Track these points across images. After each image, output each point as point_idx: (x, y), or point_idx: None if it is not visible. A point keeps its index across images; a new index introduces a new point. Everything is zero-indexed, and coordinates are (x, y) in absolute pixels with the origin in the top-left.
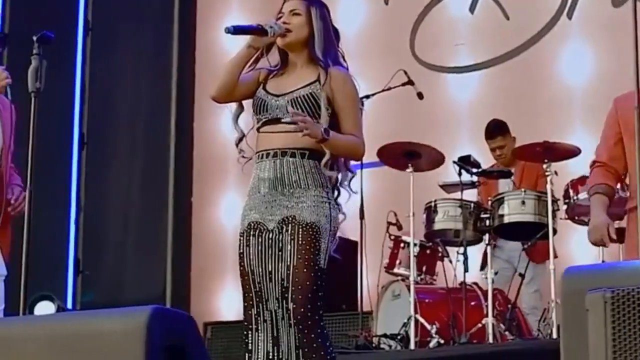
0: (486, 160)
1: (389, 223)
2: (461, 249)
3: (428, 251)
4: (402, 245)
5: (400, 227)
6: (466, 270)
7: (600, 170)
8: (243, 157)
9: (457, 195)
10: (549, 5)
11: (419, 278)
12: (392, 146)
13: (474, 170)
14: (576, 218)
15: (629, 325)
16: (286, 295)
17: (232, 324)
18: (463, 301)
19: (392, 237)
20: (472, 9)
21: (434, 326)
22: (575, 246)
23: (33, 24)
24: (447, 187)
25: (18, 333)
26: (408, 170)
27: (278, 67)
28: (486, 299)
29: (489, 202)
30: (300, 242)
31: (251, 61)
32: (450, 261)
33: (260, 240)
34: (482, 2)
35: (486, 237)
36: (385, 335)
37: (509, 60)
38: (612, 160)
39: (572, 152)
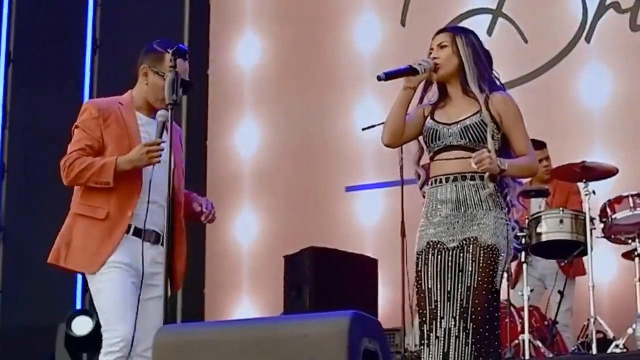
0: None
1: None
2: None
3: None
4: None
5: None
6: (512, 287)
7: None
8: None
9: None
10: (567, 29)
11: None
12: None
13: None
14: (613, 237)
15: None
16: (465, 315)
17: None
18: (507, 317)
19: None
20: (490, 31)
21: None
22: (605, 264)
23: (39, 42)
24: None
25: (220, 337)
26: None
27: (438, 99)
28: (520, 316)
29: (526, 221)
30: (481, 265)
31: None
32: None
33: (440, 259)
34: (501, 25)
35: (522, 255)
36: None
37: (527, 83)
38: None
39: (610, 172)
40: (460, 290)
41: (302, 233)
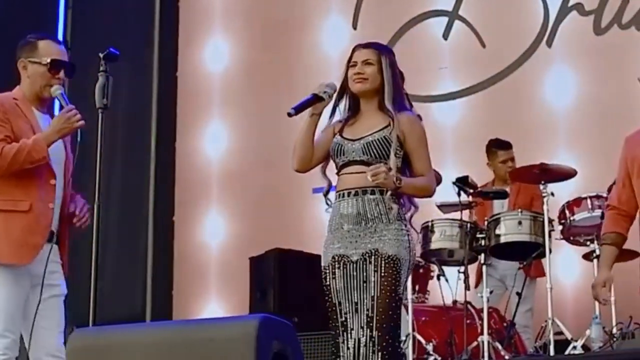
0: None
1: None
2: (461, 268)
3: (421, 270)
4: None
5: None
6: (467, 288)
7: (611, 215)
8: (331, 207)
9: (453, 215)
10: (527, 32)
11: (413, 297)
12: None
13: (471, 190)
14: (571, 238)
15: None
16: (371, 324)
17: None
18: (464, 318)
19: None
20: (445, 35)
21: (431, 344)
22: (565, 266)
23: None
24: (443, 207)
25: (132, 340)
26: None
27: (349, 115)
28: (480, 318)
29: (485, 222)
30: (383, 274)
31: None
32: (447, 280)
33: (345, 272)
34: (457, 28)
35: (481, 256)
36: None
37: (490, 87)
38: (622, 203)
39: (568, 174)
40: (365, 301)
41: (269, 234)
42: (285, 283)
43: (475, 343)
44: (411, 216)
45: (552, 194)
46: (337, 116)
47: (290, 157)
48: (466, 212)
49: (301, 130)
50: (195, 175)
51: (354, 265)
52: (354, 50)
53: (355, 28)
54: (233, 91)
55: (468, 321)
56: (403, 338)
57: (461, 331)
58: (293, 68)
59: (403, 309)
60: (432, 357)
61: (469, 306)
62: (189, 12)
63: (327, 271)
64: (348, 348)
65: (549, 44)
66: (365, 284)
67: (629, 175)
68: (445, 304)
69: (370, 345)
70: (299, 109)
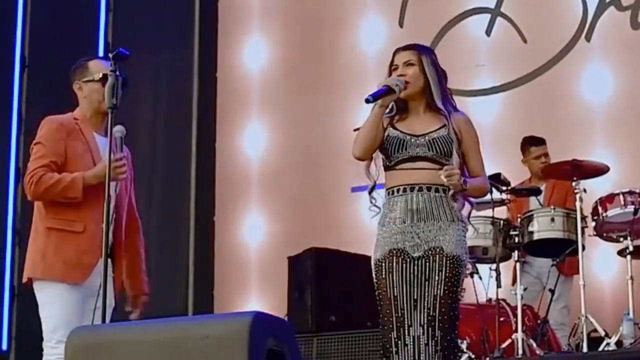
0: (513, 179)
1: None
2: (493, 266)
3: None
4: None
5: None
6: (499, 286)
7: None
8: (375, 206)
9: (487, 212)
10: (567, 27)
11: None
12: None
13: (504, 188)
14: (604, 235)
15: None
16: (433, 323)
17: None
18: (496, 316)
19: None
20: (488, 31)
21: (465, 342)
22: (600, 262)
23: (53, 49)
24: (477, 205)
25: (126, 337)
26: None
27: (394, 112)
28: (515, 315)
29: (519, 220)
30: (447, 274)
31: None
32: (480, 277)
33: (405, 267)
34: (499, 24)
35: (515, 253)
36: None
37: (527, 83)
38: None
39: (600, 170)
40: (426, 299)
41: (308, 233)
42: (323, 282)
43: (509, 340)
44: (469, 213)
45: (585, 190)
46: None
47: (328, 155)
48: (503, 209)
49: (367, 119)
50: (235, 175)
51: (415, 261)
52: (394, 54)
53: (401, 26)
54: (271, 91)
55: (502, 319)
56: None
57: (495, 329)
58: (330, 67)
59: None
60: (466, 355)
61: (504, 304)
62: (227, 12)
63: (383, 264)
64: (406, 345)
65: (588, 38)
66: (427, 282)
67: None
68: (479, 302)
69: (433, 344)
70: (376, 97)
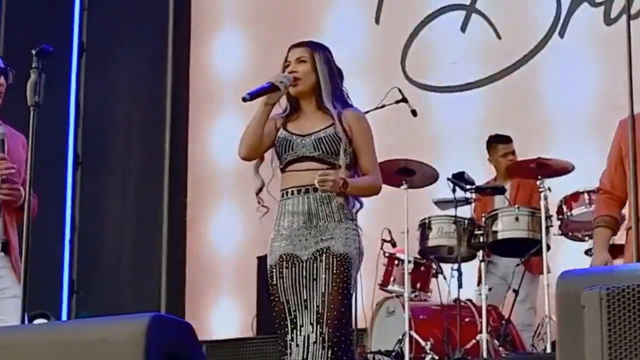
0: (479, 177)
1: (383, 240)
2: (455, 265)
3: (422, 268)
4: (396, 262)
5: (394, 244)
6: (460, 286)
7: (603, 199)
8: (263, 206)
9: (452, 211)
10: (540, 24)
11: (413, 295)
12: (386, 163)
13: (468, 186)
14: (570, 234)
15: (625, 321)
16: (321, 320)
17: (227, 342)
18: (457, 317)
19: (387, 255)
20: (463, 28)
21: (429, 342)
22: (568, 262)
23: (27, 44)
24: (441, 204)
25: (18, 341)
26: (402, 187)
27: (287, 111)
28: (480, 315)
29: (483, 219)
30: (334, 272)
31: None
32: (445, 278)
33: (294, 271)
34: (474, 21)
35: (480, 253)
36: (379, 352)
37: (501, 79)
38: (614, 187)
39: (565, 169)
40: (315, 298)
41: None
42: None
43: (473, 341)
44: (356, 212)
45: (549, 189)
46: (277, 109)
47: None
48: (468, 209)
49: (253, 119)
50: (207, 176)
51: (304, 264)
52: (289, 50)
53: (377, 22)
54: (244, 90)
55: (468, 319)
56: (399, 337)
57: (460, 329)
58: None
59: (400, 307)
60: (429, 356)
61: (469, 304)
62: (199, 10)
63: (274, 270)
64: (297, 345)
65: (562, 34)
66: (315, 282)
67: (622, 160)
68: (442, 302)
69: (320, 341)
70: (254, 95)
